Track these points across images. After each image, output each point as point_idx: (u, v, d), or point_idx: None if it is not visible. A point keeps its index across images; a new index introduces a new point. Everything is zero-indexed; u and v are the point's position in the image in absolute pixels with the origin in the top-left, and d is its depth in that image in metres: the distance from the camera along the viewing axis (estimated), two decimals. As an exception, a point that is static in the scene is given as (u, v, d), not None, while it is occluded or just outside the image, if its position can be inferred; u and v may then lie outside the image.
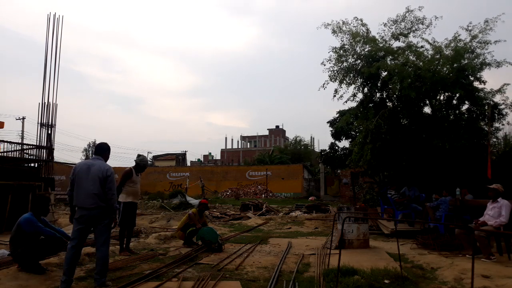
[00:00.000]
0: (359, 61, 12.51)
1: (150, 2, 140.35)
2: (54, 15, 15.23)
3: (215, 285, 5.12)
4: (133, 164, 7.87)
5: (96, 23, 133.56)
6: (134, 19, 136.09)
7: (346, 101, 13.17)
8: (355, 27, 12.51)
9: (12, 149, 13.99)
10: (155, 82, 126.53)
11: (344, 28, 12.54)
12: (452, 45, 11.59)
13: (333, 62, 12.67)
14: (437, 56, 11.65)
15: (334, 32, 12.65)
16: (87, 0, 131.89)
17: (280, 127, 75.54)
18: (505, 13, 11.24)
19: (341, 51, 12.59)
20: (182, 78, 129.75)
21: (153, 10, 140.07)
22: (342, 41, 12.68)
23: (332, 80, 12.72)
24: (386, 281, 5.05)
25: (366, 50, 12.40)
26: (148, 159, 58.73)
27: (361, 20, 12.52)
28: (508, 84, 11.64)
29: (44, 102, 14.56)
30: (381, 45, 12.28)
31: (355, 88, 12.80)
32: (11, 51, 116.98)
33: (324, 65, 12.82)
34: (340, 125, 17.63)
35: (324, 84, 12.85)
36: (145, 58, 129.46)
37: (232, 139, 74.40)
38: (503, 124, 12.06)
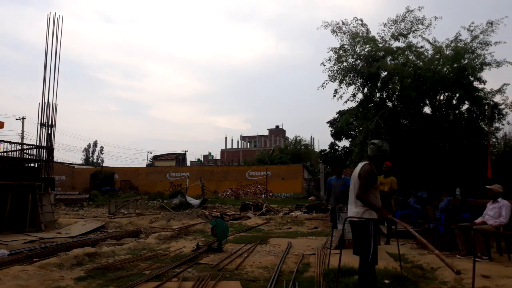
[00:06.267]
0: (358, 61, 12.51)
1: (158, 16, 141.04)
2: (54, 15, 15.23)
3: (215, 285, 5.12)
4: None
5: (111, 32, 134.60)
6: (149, 31, 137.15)
7: (346, 101, 13.18)
8: (354, 27, 12.51)
9: (12, 149, 13.99)
10: (159, 87, 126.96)
11: (344, 29, 12.55)
12: (452, 45, 11.59)
13: (333, 62, 12.67)
14: (437, 56, 11.66)
15: (334, 32, 12.65)
16: (102, 8, 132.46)
17: (280, 127, 75.51)
18: (508, 16, 11.26)
19: (341, 51, 12.58)
20: (185, 83, 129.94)
21: (161, 23, 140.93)
22: (342, 41, 12.68)
23: (332, 80, 12.72)
24: (386, 281, 5.05)
25: (366, 50, 12.40)
26: (148, 159, 58.61)
27: (361, 21, 12.53)
28: (508, 84, 11.66)
29: (44, 102, 14.57)
30: (381, 45, 12.27)
31: (355, 88, 12.81)
32: (11, 52, 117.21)
33: (324, 65, 12.83)
34: (340, 125, 17.62)
35: (323, 83, 12.85)
36: (151, 64, 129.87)
37: (232, 139, 74.43)
38: (503, 124, 12.07)
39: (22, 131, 40.87)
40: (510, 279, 5.12)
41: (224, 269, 6.12)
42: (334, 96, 12.80)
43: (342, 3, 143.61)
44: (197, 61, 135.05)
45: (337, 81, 12.65)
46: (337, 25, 12.55)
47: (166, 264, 6.51)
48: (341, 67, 12.61)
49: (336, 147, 25.89)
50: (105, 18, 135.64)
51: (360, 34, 12.36)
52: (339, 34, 12.60)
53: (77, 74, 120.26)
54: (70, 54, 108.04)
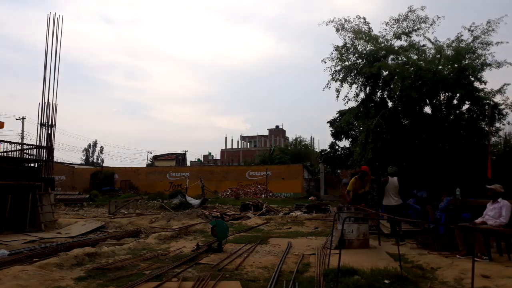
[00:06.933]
0: (360, 60, 12.50)
1: (161, 18, 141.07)
2: (54, 15, 15.25)
3: (215, 285, 5.12)
4: None
5: (112, 32, 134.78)
6: (149, 32, 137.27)
7: (347, 101, 13.16)
8: (357, 25, 12.50)
9: (12, 149, 14.00)
10: (160, 87, 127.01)
11: (346, 26, 12.52)
12: (454, 45, 11.58)
13: (335, 60, 12.66)
14: (438, 56, 11.66)
15: (337, 30, 12.63)
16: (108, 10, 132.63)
17: (280, 127, 75.55)
18: (508, 14, 11.24)
19: (343, 50, 12.57)
20: (185, 84, 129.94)
21: (162, 26, 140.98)
22: (344, 39, 12.66)
23: (335, 80, 12.72)
24: (386, 281, 5.05)
25: (367, 49, 12.39)
26: (148, 159, 58.78)
27: (364, 19, 12.51)
28: (508, 84, 11.65)
29: (44, 102, 14.58)
30: (382, 44, 12.26)
31: (356, 87, 12.81)
32: (11, 52, 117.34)
33: (325, 62, 12.79)
34: (341, 124, 17.61)
35: (328, 83, 12.84)
36: (151, 65, 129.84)
37: (232, 139, 74.45)
38: (503, 124, 12.05)
39: (22, 131, 40.89)
40: (510, 279, 5.12)
41: (224, 269, 6.12)
42: (338, 96, 12.82)
43: (342, 4, 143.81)
44: (197, 62, 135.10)
45: (338, 80, 12.66)
46: (340, 23, 12.54)
47: (166, 264, 6.52)
48: (343, 65, 12.60)
49: (336, 147, 25.92)
50: (106, 19, 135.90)
51: (363, 32, 12.36)
52: (342, 32, 12.58)
53: (77, 74, 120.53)
54: (70, 55, 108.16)
